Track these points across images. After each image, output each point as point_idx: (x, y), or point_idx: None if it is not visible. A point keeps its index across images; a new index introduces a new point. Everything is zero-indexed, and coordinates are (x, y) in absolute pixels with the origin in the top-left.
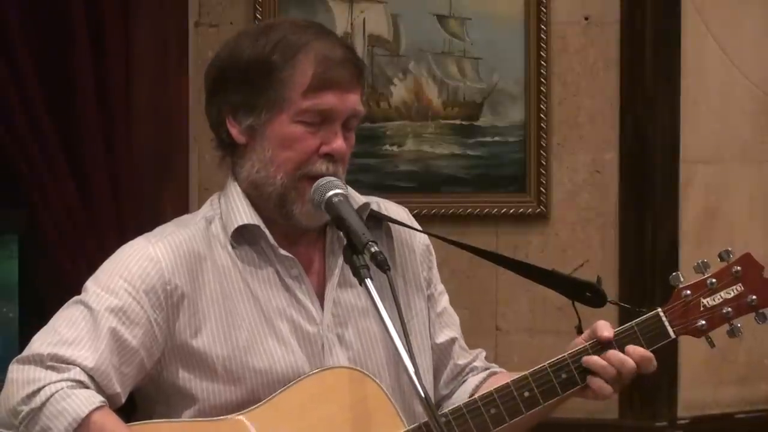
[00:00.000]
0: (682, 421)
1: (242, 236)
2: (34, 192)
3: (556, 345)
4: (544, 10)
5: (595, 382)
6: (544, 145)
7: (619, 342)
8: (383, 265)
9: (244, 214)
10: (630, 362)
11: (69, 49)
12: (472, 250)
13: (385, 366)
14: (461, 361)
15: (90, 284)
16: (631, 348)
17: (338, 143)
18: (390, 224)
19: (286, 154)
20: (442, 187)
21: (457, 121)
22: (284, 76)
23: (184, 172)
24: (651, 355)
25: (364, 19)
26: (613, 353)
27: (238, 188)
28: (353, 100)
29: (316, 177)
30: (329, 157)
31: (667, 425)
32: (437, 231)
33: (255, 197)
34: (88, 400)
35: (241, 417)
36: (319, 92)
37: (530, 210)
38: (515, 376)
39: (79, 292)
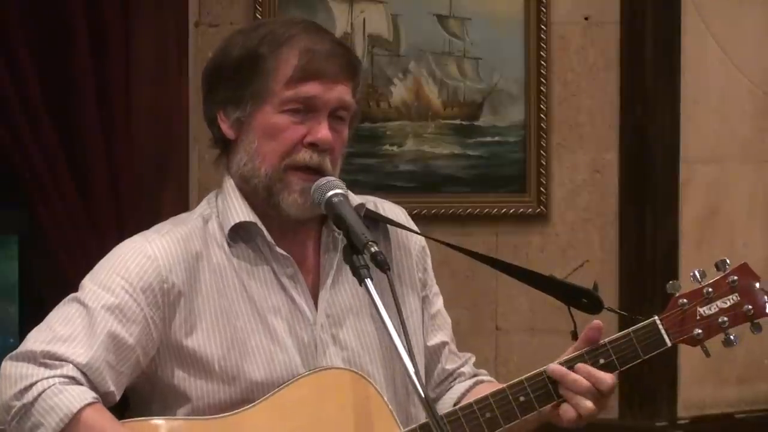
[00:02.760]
0: (682, 421)
1: (238, 234)
2: (34, 192)
3: (556, 345)
4: (544, 10)
5: (570, 398)
6: (544, 145)
7: (615, 349)
8: (383, 265)
9: (240, 211)
10: (607, 380)
11: (69, 49)
12: (470, 254)
13: (380, 366)
14: (449, 366)
15: (87, 282)
16: (582, 367)
17: (323, 132)
18: (387, 225)
19: (270, 145)
20: (442, 187)
21: (457, 121)
22: (268, 68)
23: (184, 172)
24: (600, 376)
25: (364, 19)
26: (584, 367)
27: (233, 184)
28: (340, 91)
29: (300, 167)
30: (314, 146)
31: (667, 425)
32: (437, 231)
33: (247, 192)
34: (80, 396)
35: (234, 416)
36: (301, 82)
37: (530, 210)
38: (502, 385)
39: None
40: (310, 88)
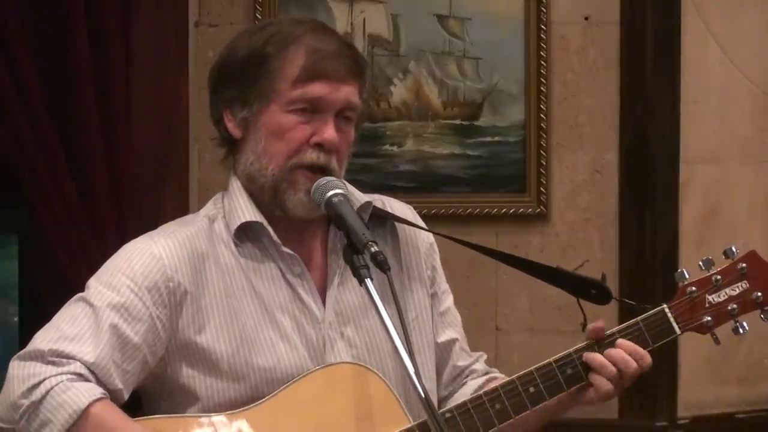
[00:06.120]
0: (682, 421)
1: (245, 234)
2: (34, 192)
3: (557, 345)
4: (544, 10)
5: (596, 380)
6: (544, 145)
7: (624, 338)
8: (383, 265)
9: (246, 211)
10: (631, 361)
11: (69, 49)
12: (479, 249)
13: (389, 363)
14: (461, 363)
15: (92, 282)
16: (621, 341)
17: (329, 132)
18: (395, 223)
19: (277, 145)
20: (442, 187)
21: (457, 121)
22: (275, 67)
23: (184, 172)
24: (641, 350)
25: (364, 19)
26: (616, 351)
27: (239, 184)
28: (346, 92)
29: (307, 167)
30: (320, 146)
31: (667, 425)
32: (437, 231)
33: (253, 191)
34: (88, 391)
35: (244, 413)
36: (308, 82)
37: (530, 210)
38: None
39: (79, 292)
40: (317, 89)
